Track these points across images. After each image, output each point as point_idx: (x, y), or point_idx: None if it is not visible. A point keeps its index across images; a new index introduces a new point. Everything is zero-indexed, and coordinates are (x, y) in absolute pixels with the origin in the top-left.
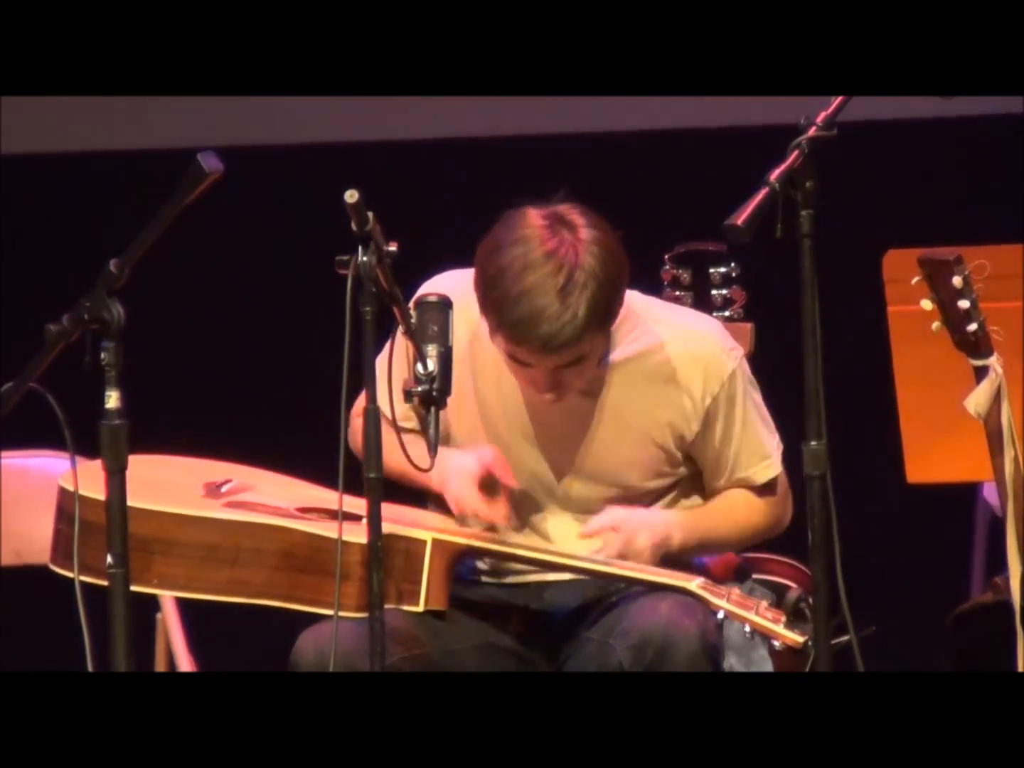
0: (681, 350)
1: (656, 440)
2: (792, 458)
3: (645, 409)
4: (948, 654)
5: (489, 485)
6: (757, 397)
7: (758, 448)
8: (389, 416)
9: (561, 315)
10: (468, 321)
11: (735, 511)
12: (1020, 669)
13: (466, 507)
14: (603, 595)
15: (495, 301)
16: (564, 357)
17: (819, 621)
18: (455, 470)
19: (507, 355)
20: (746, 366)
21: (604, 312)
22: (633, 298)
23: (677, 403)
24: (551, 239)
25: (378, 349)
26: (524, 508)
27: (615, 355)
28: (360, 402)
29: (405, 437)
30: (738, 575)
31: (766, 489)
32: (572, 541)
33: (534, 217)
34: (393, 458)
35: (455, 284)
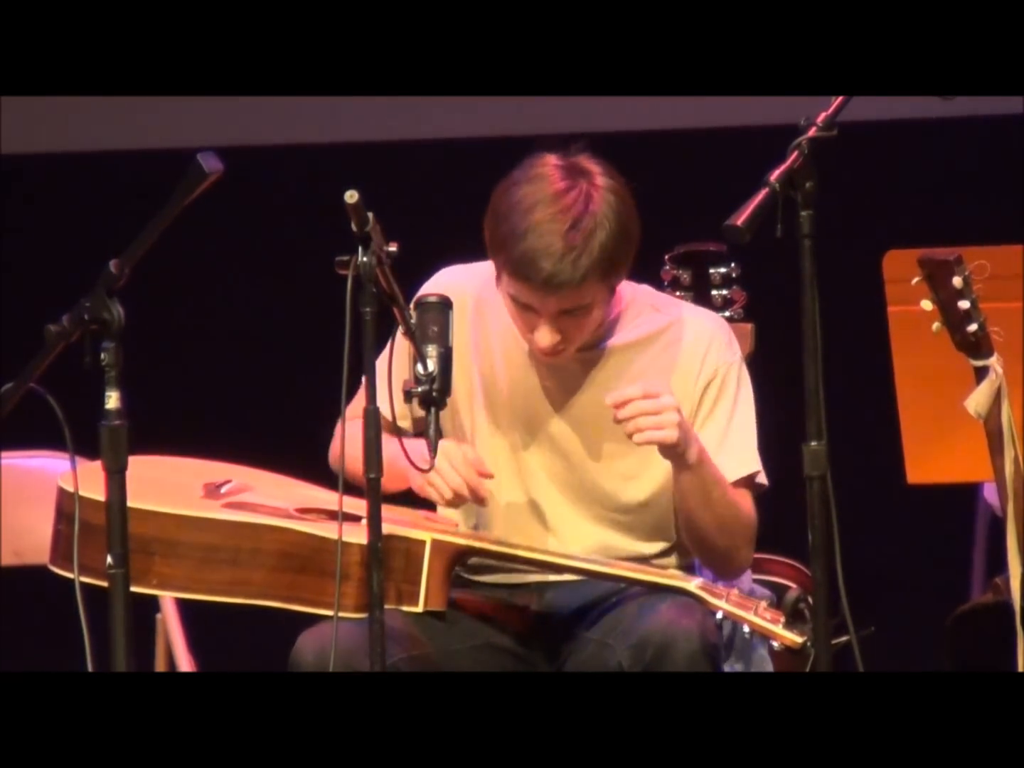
0: (683, 335)
1: None
2: (792, 458)
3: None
4: (948, 654)
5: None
6: (748, 401)
7: (735, 442)
8: (388, 418)
9: (566, 254)
10: (472, 318)
11: (725, 482)
12: (1020, 669)
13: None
14: (603, 595)
15: (503, 236)
16: (565, 300)
17: (819, 621)
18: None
19: (511, 299)
20: (744, 368)
21: (610, 259)
22: (640, 288)
23: (679, 384)
24: (564, 180)
25: (378, 349)
26: (524, 507)
27: (620, 339)
28: (351, 409)
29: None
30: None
31: (737, 486)
32: (577, 532)
33: (551, 159)
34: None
35: (459, 278)
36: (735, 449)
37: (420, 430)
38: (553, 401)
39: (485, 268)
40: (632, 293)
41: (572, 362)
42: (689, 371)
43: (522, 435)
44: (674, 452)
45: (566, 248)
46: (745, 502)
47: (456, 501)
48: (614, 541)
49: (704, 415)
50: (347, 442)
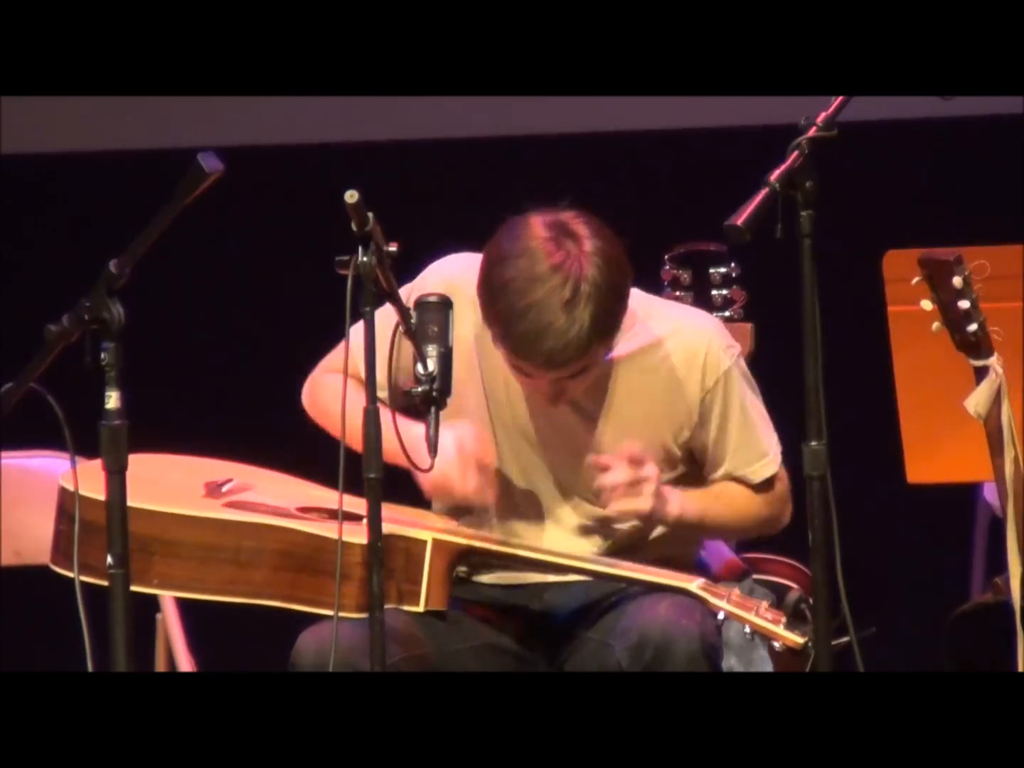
0: (678, 346)
1: (655, 437)
2: (792, 458)
3: (643, 406)
4: (948, 654)
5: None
6: (755, 395)
7: (755, 446)
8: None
9: (567, 331)
10: (476, 309)
11: (735, 499)
12: (1020, 669)
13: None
14: (603, 595)
15: (500, 314)
16: (568, 370)
17: (819, 621)
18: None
19: (510, 364)
20: (743, 364)
21: (609, 324)
22: (632, 296)
23: (674, 399)
24: (556, 252)
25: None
26: (524, 505)
27: (618, 351)
28: (327, 361)
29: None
30: (739, 575)
31: (764, 486)
32: (571, 539)
33: (538, 227)
34: (332, 403)
35: (462, 268)
36: (751, 453)
37: (398, 406)
38: (551, 409)
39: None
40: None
41: None
42: (687, 384)
43: (520, 440)
44: (647, 519)
45: (567, 324)
46: (761, 498)
47: (459, 504)
48: (612, 546)
49: (716, 424)
50: (324, 392)
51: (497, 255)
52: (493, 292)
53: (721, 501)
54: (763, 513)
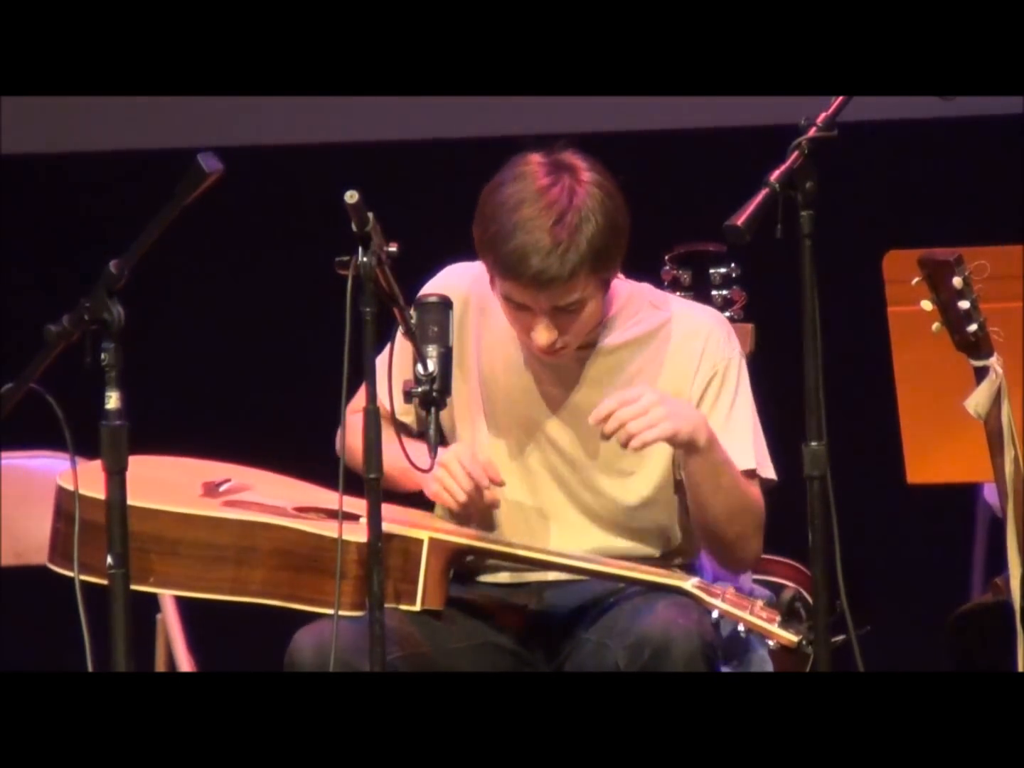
0: (683, 329)
1: None
2: (792, 458)
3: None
4: (948, 654)
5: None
6: (748, 398)
7: (742, 443)
8: (388, 410)
9: (553, 249)
10: (475, 315)
11: (737, 472)
12: (1020, 669)
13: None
14: (602, 595)
15: (490, 237)
16: (556, 295)
17: (819, 621)
18: (452, 449)
19: (505, 300)
20: (743, 367)
21: (598, 253)
22: (638, 286)
23: (675, 384)
24: (548, 176)
25: (378, 350)
26: (527, 500)
27: (618, 337)
28: (354, 403)
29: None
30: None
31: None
32: (579, 533)
33: (535, 157)
34: (387, 458)
35: (462, 278)
36: (734, 443)
37: (422, 428)
38: (551, 401)
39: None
40: (630, 291)
41: (570, 361)
42: (687, 368)
43: (521, 436)
44: (682, 441)
45: (553, 243)
46: (753, 490)
47: (468, 505)
48: (615, 543)
49: (705, 411)
50: (350, 435)
51: (492, 184)
52: (485, 218)
53: (732, 466)
54: (746, 501)
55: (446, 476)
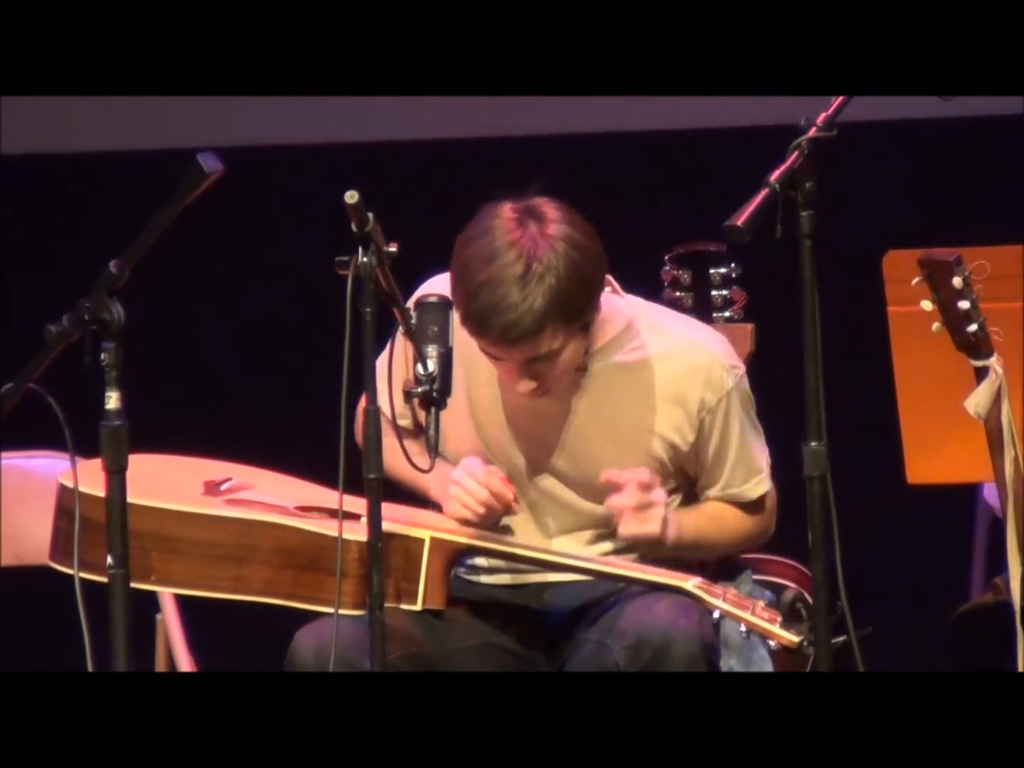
0: (682, 362)
1: (650, 450)
2: (792, 458)
3: (641, 418)
4: (948, 654)
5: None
6: (752, 414)
7: (751, 465)
8: (388, 415)
9: (518, 306)
10: (457, 324)
11: (728, 520)
12: (1020, 669)
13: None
14: (602, 596)
15: (460, 296)
16: (526, 350)
17: (820, 621)
18: (462, 465)
19: (484, 353)
20: (746, 384)
21: (565, 306)
22: (637, 306)
23: (673, 414)
24: (515, 230)
25: (378, 349)
26: (527, 514)
27: (618, 361)
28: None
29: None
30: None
31: (756, 504)
32: (576, 548)
33: (505, 210)
34: (396, 463)
35: (443, 290)
36: (746, 473)
37: (422, 428)
38: (548, 425)
39: None
40: (631, 311)
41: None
42: (687, 401)
43: (515, 452)
44: (652, 544)
45: (519, 299)
46: (754, 518)
47: (488, 516)
48: (604, 547)
49: (715, 444)
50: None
51: (463, 238)
52: (456, 274)
53: (715, 523)
54: (752, 531)
55: (461, 493)
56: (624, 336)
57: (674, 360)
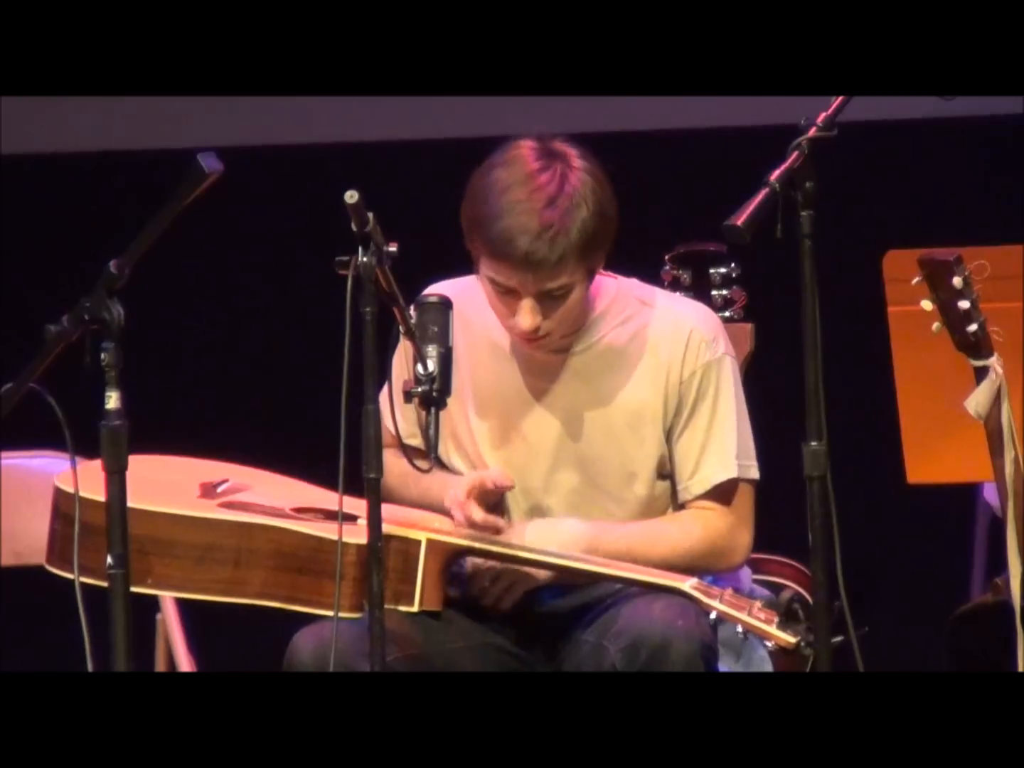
0: (666, 329)
1: (648, 429)
2: (792, 458)
3: (634, 390)
4: (948, 654)
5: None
6: (733, 403)
7: (721, 455)
8: (393, 436)
9: (543, 232)
10: (462, 325)
11: (660, 541)
12: (1020, 669)
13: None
14: (600, 596)
15: (480, 218)
16: (543, 279)
17: (820, 621)
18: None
19: (491, 283)
20: (730, 366)
21: (587, 239)
22: (626, 282)
23: (659, 381)
24: (539, 161)
25: (378, 349)
26: (525, 501)
27: (606, 334)
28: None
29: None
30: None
31: (720, 498)
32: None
33: (527, 143)
34: (407, 493)
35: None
36: (715, 454)
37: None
38: (540, 401)
39: (466, 281)
40: (617, 288)
41: (556, 359)
42: (669, 369)
43: (511, 436)
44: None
45: (542, 226)
46: (698, 524)
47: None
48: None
49: (684, 418)
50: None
51: (483, 168)
52: (475, 199)
53: (644, 544)
54: (683, 553)
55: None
56: (613, 308)
57: (660, 328)
